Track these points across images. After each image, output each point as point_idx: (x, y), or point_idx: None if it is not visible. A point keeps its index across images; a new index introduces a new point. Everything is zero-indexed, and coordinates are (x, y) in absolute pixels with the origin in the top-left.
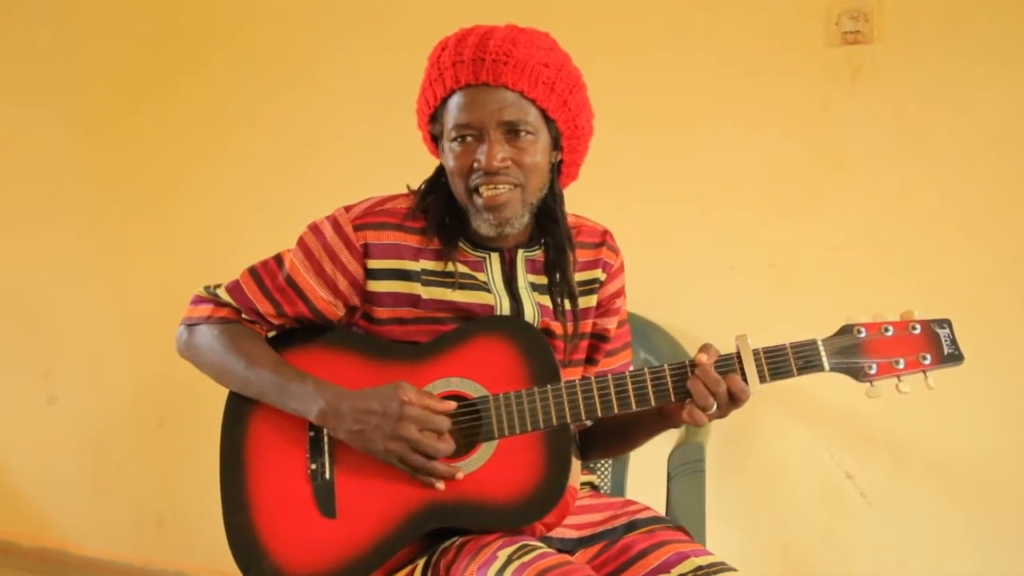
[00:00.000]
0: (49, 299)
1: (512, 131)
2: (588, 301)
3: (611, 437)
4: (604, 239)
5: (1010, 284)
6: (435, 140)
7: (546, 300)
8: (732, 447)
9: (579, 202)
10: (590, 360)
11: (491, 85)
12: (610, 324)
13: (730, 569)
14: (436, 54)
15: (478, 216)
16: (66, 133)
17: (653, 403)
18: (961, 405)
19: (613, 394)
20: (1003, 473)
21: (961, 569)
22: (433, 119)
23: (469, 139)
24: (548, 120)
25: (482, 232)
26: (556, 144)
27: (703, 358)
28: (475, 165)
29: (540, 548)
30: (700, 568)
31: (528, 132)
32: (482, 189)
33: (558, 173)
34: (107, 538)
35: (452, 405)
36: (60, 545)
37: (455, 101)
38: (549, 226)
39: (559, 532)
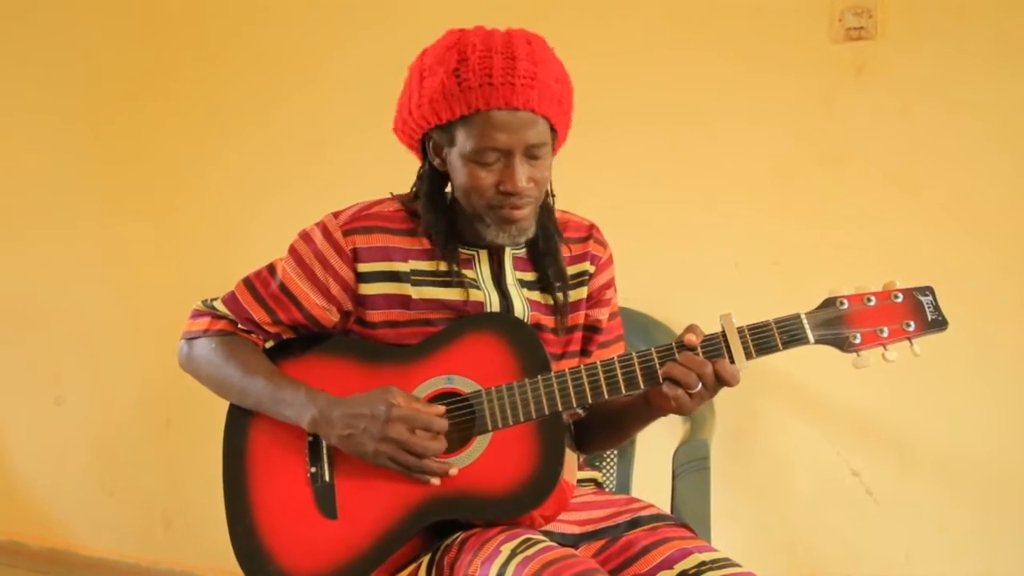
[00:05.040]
0: (56, 302)
1: (532, 151)
2: (578, 293)
3: (605, 428)
4: (591, 233)
5: (1016, 282)
6: (422, 140)
7: (535, 296)
8: (737, 445)
9: (582, 200)
10: (584, 352)
11: (519, 109)
12: (601, 315)
13: (734, 565)
14: (452, 64)
15: (493, 228)
16: (70, 137)
17: (642, 386)
18: (967, 402)
19: (602, 380)
20: (1009, 470)
21: (967, 566)
22: (439, 128)
23: (492, 160)
24: (552, 130)
25: (499, 242)
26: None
27: (691, 338)
28: (501, 188)
29: (543, 542)
30: (704, 564)
31: (543, 151)
32: (504, 207)
33: None
34: (115, 538)
35: (441, 409)
36: (68, 545)
37: (481, 121)
38: (540, 216)
39: (561, 527)
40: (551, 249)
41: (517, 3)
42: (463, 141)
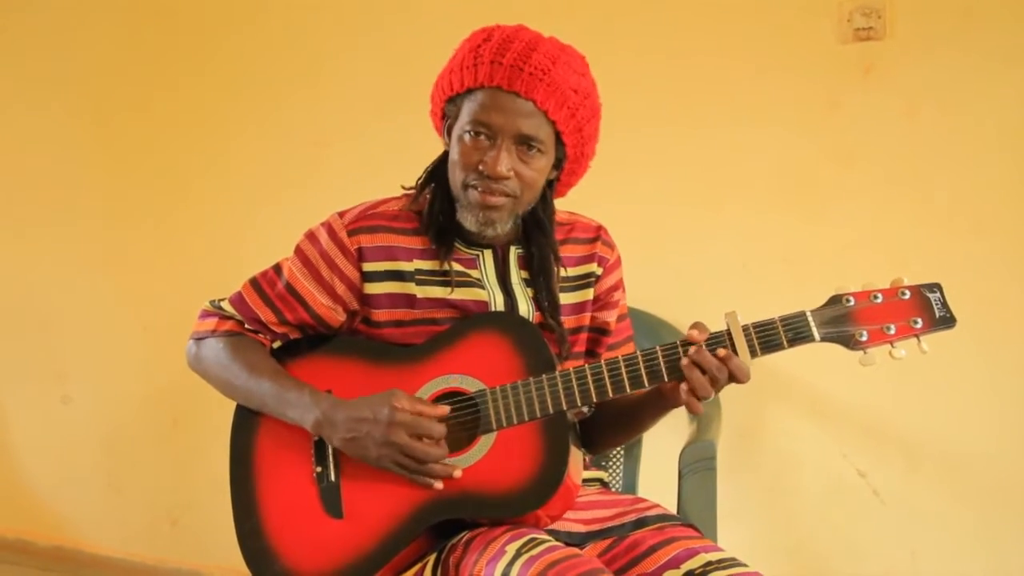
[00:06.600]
0: (62, 300)
1: (524, 143)
2: (584, 295)
3: (615, 425)
4: (598, 234)
5: (1022, 282)
6: (443, 118)
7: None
8: (744, 445)
9: (590, 202)
10: (591, 353)
11: (520, 95)
12: (609, 317)
13: (741, 564)
14: (476, 42)
15: (466, 210)
16: (75, 135)
17: (647, 385)
18: (973, 403)
19: (607, 378)
20: (1015, 470)
21: (973, 567)
22: (451, 100)
23: (482, 137)
24: (559, 142)
25: (467, 226)
26: (558, 164)
27: (695, 334)
28: (480, 167)
29: (548, 541)
30: (710, 563)
31: (538, 149)
32: (477, 188)
33: (551, 190)
34: (121, 537)
35: (445, 410)
36: (75, 544)
37: (481, 97)
38: (536, 236)
39: (567, 526)
40: (544, 270)
41: (522, 6)
42: (464, 114)
